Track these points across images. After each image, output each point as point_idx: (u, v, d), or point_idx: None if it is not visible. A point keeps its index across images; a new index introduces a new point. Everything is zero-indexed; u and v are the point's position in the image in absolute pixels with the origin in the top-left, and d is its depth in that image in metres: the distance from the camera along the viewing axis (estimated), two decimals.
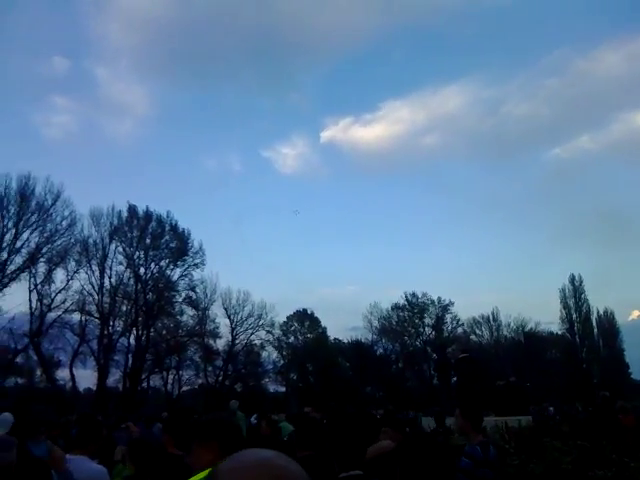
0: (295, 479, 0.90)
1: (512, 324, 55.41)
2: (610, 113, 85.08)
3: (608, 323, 55.45)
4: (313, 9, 71.07)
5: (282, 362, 51.50)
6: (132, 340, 42.03)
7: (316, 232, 77.29)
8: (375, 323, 54.35)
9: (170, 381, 46.43)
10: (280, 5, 70.03)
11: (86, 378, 40.99)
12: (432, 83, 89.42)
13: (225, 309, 47.18)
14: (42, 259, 37.70)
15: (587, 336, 54.03)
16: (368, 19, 70.45)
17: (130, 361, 41.48)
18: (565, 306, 53.89)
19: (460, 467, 4.58)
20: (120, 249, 42.20)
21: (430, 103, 74.74)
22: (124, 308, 42.30)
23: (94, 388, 40.64)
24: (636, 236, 73.70)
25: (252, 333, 48.23)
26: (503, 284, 77.87)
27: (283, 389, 51.42)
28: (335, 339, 54.59)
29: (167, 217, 44.38)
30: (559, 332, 54.98)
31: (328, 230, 79.92)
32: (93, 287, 40.38)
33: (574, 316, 53.94)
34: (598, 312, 55.14)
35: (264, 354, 50.69)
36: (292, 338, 53.04)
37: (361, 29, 72.08)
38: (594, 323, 54.91)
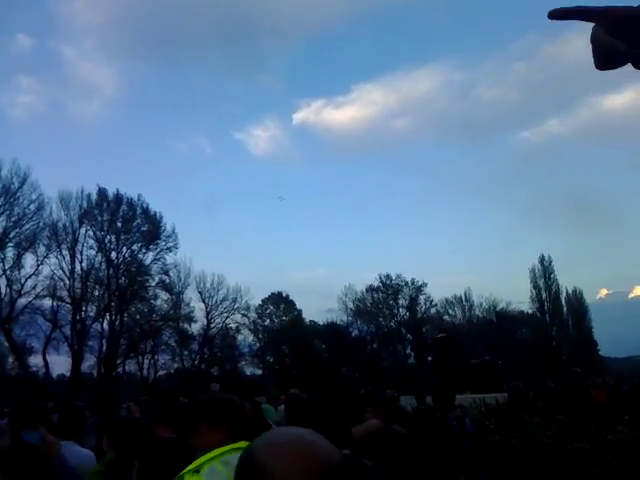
0: (325, 454, 0.93)
1: (484, 304, 56.49)
2: (578, 97, 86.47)
3: (577, 302, 56.84)
4: None
5: (258, 345, 51.62)
6: (105, 325, 41.66)
7: (289, 215, 77.30)
8: (350, 305, 54.81)
9: (146, 366, 46.21)
10: None
11: (60, 364, 40.56)
12: (403, 66, 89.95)
13: (199, 293, 46.98)
14: (10, 244, 36.96)
15: (557, 315, 55.38)
16: (339, 1, 70.03)
17: (104, 346, 41.10)
18: (535, 286, 55.14)
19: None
20: (90, 233, 41.51)
21: (401, 86, 74.97)
22: (96, 293, 41.76)
23: (68, 374, 40.23)
24: (602, 217, 75.56)
25: (227, 317, 48.21)
26: (475, 265, 79.25)
27: (260, 372, 51.65)
28: (311, 321, 54.94)
29: (138, 200, 43.64)
30: (529, 311, 56.25)
31: (301, 212, 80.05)
32: (64, 272, 39.74)
33: (544, 295, 55.21)
34: (567, 291, 56.54)
35: (240, 337, 50.77)
36: (268, 321, 53.15)
37: (332, 11, 71.71)
38: (563, 302, 56.30)
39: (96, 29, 63.94)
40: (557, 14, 0.96)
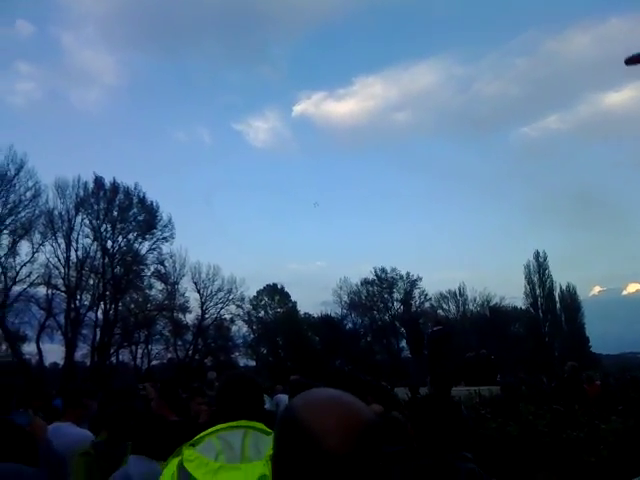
0: (362, 413, 0.98)
1: (478, 299, 56.69)
2: (577, 94, 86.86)
3: (570, 298, 57.08)
4: None
5: (252, 336, 51.71)
6: (100, 314, 41.60)
7: (287, 206, 77.31)
8: (345, 298, 54.93)
9: (139, 355, 46.26)
10: None
11: (53, 352, 40.51)
12: (404, 60, 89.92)
13: (195, 283, 46.95)
14: (5, 231, 36.78)
15: (550, 311, 55.62)
16: None
17: (98, 335, 41.07)
18: (529, 282, 55.29)
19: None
20: (86, 221, 41.35)
21: (402, 79, 75.02)
22: (91, 282, 41.68)
23: (61, 362, 40.22)
24: (598, 214, 75.95)
25: (222, 307, 48.18)
26: (470, 260, 79.57)
27: (253, 363, 51.73)
28: (305, 313, 55.03)
29: (135, 189, 43.47)
30: (523, 307, 56.51)
31: (299, 205, 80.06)
32: (59, 260, 39.63)
33: (538, 291, 55.43)
34: (561, 288, 56.75)
35: (234, 328, 50.81)
36: (262, 312, 53.20)
37: (334, 3, 71.45)
38: (557, 298, 56.50)
39: (97, 17, 63.66)
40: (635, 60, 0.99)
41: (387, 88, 75.10)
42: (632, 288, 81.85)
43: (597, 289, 79.63)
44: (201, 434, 2.07)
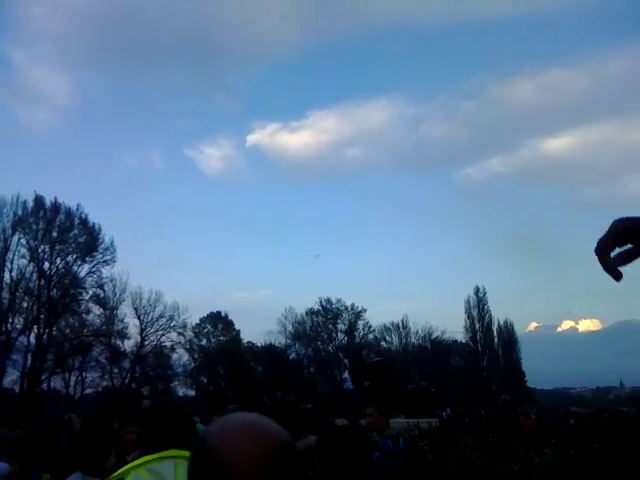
0: (275, 436, 0.95)
1: (420, 332, 57.47)
2: (519, 138, 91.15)
3: (507, 333, 58.67)
4: (246, 14, 70.95)
5: (193, 365, 50.40)
6: (32, 338, 39.62)
7: (235, 235, 76.69)
8: (289, 327, 54.55)
9: (72, 383, 44.18)
10: (213, 6, 69.33)
11: None
12: (357, 97, 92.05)
13: (135, 309, 45.47)
14: None
15: (488, 345, 56.99)
16: (300, 29, 71.37)
17: (29, 361, 39.06)
18: (469, 316, 56.71)
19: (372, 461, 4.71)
20: (23, 241, 39.60)
21: (355, 116, 76.75)
22: (25, 304, 39.78)
23: None
24: (537, 253, 79.04)
25: (163, 334, 46.76)
26: (414, 293, 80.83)
27: (193, 392, 50.33)
28: (249, 342, 54.21)
29: (77, 210, 42.04)
30: (463, 340, 57.67)
31: (247, 234, 79.68)
32: None
33: (477, 326, 56.78)
34: (499, 323, 58.32)
35: (174, 356, 49.33)
36: (204, 341, 52.09)
37: (292, 38, 72.91)
38: (495, 333, 58.00)
39: (52, 36, 62.57)
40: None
41: (340, 123, 76.86)
42: (566, 325, 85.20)
43: (533, 325, 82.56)
44: (127, 467, 1.95)
